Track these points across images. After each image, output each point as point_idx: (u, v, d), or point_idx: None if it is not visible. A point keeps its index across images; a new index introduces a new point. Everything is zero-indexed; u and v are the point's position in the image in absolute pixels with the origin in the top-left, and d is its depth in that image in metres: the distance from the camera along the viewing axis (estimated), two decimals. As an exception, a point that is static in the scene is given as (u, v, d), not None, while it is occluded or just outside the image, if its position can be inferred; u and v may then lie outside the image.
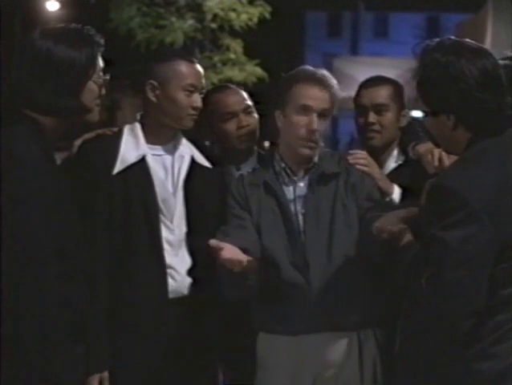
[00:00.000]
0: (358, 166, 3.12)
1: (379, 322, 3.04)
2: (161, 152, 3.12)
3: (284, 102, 3.06)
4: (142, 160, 3.06)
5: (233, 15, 14.86)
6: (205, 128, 3.45)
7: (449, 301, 2.27)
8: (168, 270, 3.04)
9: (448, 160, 2.99)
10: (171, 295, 3.04)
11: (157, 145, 3.12)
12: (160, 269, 3.00)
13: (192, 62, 3.12)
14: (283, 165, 3.10)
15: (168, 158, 3.12)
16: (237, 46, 15.27)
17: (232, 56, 15.26)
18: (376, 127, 3.41)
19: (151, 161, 3.07)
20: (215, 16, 15.01)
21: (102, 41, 2.59)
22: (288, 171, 3.09)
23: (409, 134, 3.44)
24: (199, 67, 3.14)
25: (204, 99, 3.30)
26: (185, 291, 3.06)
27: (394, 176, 3.30)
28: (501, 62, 2.53)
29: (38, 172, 2.35)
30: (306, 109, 3.02)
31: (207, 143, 3.59)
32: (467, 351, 2.35)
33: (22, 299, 2.29)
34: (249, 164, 3.44)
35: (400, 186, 3.22)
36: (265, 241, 3.02)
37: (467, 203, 2.26)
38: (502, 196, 2.29)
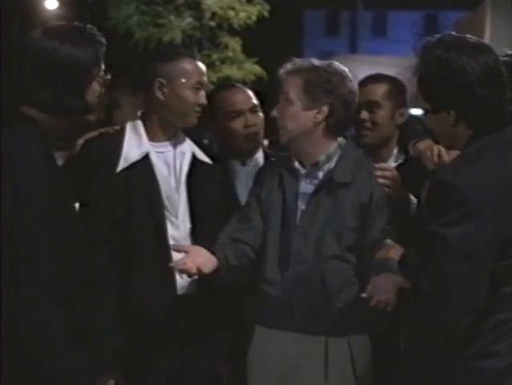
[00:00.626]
0: (381, 180, 3.07)
1: (361, 330, 2.99)
2: (163, 149, 3.13)
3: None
4: (145, 158, 3.07)
5: (231, 13, 14.87)
6: (208, 125, 3.46)
7: (450, 298, 2.28)
8: None
9: (447, 156, 2.99)
10: (179, 292, 3.05)
11: (159, 142, 3.13)
12: (168, 266, 2.98)
13: (195, 59, 3.15)
14: (294, 160, 3.09)
15: (170, 155, 3.14)
16: (235, 44, 15.28)
17: (230, 54, 15.27)
18: (368, 124, 3.39)
19: (154, 158, 3.09)
20: (214, 14, 15.03)
21: (103, 40, 2.58)
22: (297, 165, 3.07)
23: (408, 132, 3.43)
24: (201, 64, 3.17)
25: (210, 97, 3.31)
26: (193, 287, 3.07)
27: None
28: (502, 59, 2.52)
29: (38, 172, 2.35)
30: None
31: (205, 140, 3.59)
32: (467, 350, 2.35)
33: (22, 299, 2.28)
34: (255, 161, 3.45)
35: (401, 185, 3.21)
36: (263, 232, 3.05)
37: (466, 199, 2.26)
38: (502, 192, 2.29)
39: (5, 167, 2.30)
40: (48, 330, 2.30)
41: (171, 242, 3.03)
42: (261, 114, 3.46)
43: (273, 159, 3.33)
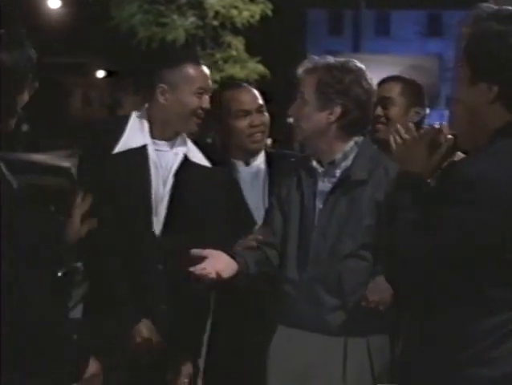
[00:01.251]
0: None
1: (379, 330, 2.97)
2: (161, 148, 3.18)
3: None
4: (143, 148, 3.14)
5: (234, 12, 14.87)
6: (214, 123, 3.45)
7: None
8: None
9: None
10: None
11: (158, 140, 3.18)
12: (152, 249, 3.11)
13: (199, 64, 3.19)
14: (312, 159, 3.08)
15: (166, 155, 3.18)
16: (238, 43, 15.28)
17: (233, 53, 15.27)
18: (382, 119, 3.43)
19: (151, 151, 3.15)
20: (216, 13, 15.02)
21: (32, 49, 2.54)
22: (315, 164, 3.06)
23: None
24: (206, 69, 3.21)
25: (215, 96, 3.33)
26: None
27: None
28: None
29: None
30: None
31: (209, 140, 3.59)
32: (461, 355, 2.32)
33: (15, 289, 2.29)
34: (258, 160, 3.45)
35: None
36: (282, 228, 3.06)
37: (474, 188, 2.22)
38: None
39: None
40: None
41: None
42: (266, 114, 3.46)
43: (292, 159, 3.31)
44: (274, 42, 28.61)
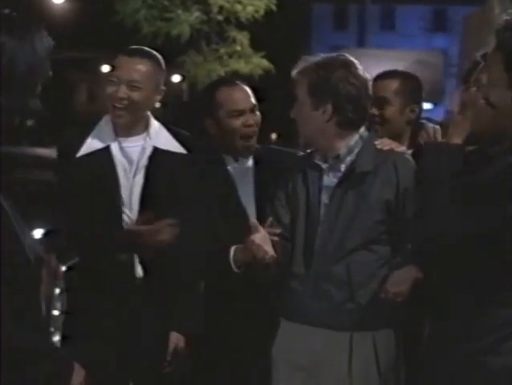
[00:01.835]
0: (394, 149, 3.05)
1: (386, 324, 2.99)
2: (129, 144, 3.24)
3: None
4: (107, 148, 3.21)
5: (239, 7, 14.84)
6: (207, 120, 3.42)
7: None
8: None
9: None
10: (137, 276, 3.19)
11: (126, 137, 3.24)
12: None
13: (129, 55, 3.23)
14: (316, 154, 3.10)
15: (134, 150, 3.23)
16: (243, 38, 15.24)
17: (238, 48, 15.24)
18: (378, 119, 3.40)
19: (115, 151, 3.21)
20: (221, 8, 14.99)
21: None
22: (318, 160, 3.07)
23: (419, 126, 3.45)
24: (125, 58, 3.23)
25: (208, 91, 3.37)
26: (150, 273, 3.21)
27: None
28: None
29: None
30: None
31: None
32: (477, 345, 2.33)
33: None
34: (248, 157, 3.44)
35: None
36: (290, 223, 3.08)
37: None
38: None
39: None
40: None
41: None
42: (258, 113, 3.44)
43: (300, 153, 3.34)
44: (278, 37, 28.58)
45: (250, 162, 3.46)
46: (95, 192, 3.16)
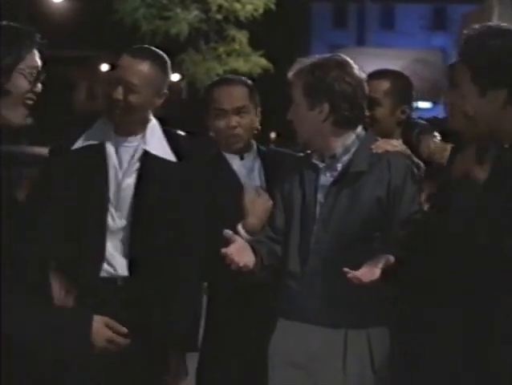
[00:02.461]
0: (389, 149, 3.04)
1: (380, 322, 2.98)
2: (123, 144, 3.20)
3: None
4: (101, 145, 3.18)
5: (238, 6, 14.84)
6: (206, 118, 3.41)
7: None
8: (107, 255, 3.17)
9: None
10: (106, 283, 3.15)
11: (123, 136, 3.19)
12: (100, 253, 3.14)
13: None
14: (313, 154, 3.11)
15: (128, 150, 3.19)
16: (242, 37, 15.25)
17: (237, 47, 15.24)
18: (368, 120, 3.34)
19: (109, 147, 3.17)
20: (220, 7, 15.00)
21: (36, 37, 2.54)
22: (315, 160, 3.08)
23: (411, 125, 3.44)
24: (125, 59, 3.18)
25: (207, 90, 3.40)
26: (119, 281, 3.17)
27: None
28: None
29: None
30: None
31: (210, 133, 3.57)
32: (492, 335, 2.34)
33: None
34: (251, 155, 3.42)
35: None
36: (283, 225, 3.09)
37: None
38: None
39: None
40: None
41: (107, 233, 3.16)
42: (249, 116, 3.37)
43: (301, 154, 3.31)
44: (277, 35, 28.58)
45: (256, 160, 3.42)
46: (82, 186, 3.14)
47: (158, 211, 3.18)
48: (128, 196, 3.16)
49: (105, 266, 3.16)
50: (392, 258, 2.77)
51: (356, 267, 2.89)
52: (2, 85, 2.43)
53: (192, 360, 3.39)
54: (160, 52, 3.22)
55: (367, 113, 3.36)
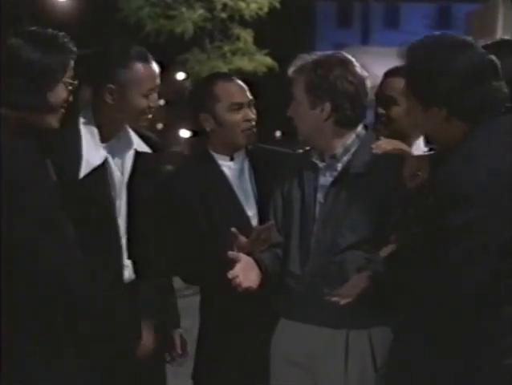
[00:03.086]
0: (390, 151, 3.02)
1: (381, 322, 2.97)
2: (111, 149, 3.11)
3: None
4: (104, 163, 3.06)
5: (242, 5, 14.84)
6: (204, 116, 3.37)
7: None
8: None
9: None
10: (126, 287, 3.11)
11: (108, 142, 3.10)
12: (118, 262, 3.08)
13: (149, 62, 3.10)
14: (312, 153, 3.09)
15: (116, 155, 3.12)
16: (247, 35, 15.24)
17: (242, 46, 15.23)
18: (384, 119, 3.35)
19: (111, 161, 3.09)
20: (225, 6, 14.99)
21: (74, 49, 2.72)
22: (315, 160, 3.07)
23: None
24: (155, 66, 3.12)
25: (204, 86, 3.36)
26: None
27: None
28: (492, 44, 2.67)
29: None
30: None
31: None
32: (495, 346, 2.33)
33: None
34: (240, 155, 3.39)
35: None
36: (283, 225, 3.08)
37: (467, 194, 2.31)
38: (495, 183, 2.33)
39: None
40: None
41: None
42: (254, 110, 3.38)
43: (300, 150, 3.30)
44: (282, 34, 28.56)
45: (245, 160, 3.40)
46: (93, 210, 3.03)
47: (152, 205, 3.18)
48: (124, 200, 3.12)
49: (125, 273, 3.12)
50: (369, 275, 2.79)
51: (355, 269, 2.90)
52: (45, 96, 2.60)
53: (189, 364, 3.39)
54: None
55: (382, 112, 3.35)
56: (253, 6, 14.87)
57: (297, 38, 33.94)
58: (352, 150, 3.03)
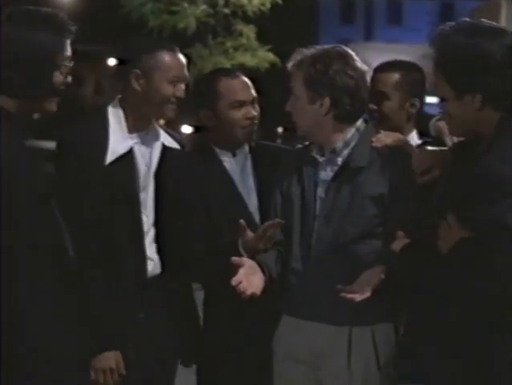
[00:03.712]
0: (390, 143, 3.02)
1: (384, 318, 2.98)
2: (138, 140, 3.16)
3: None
4: (130, 152, 3.11)
5: (245, 0, 14.82)
6: (205, 111, 3.38)
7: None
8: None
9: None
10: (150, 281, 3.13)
11: (135, 133, 3.16)
12: (141, 258, 3.10)
13: (175, 52, 3.16)
14: (312, 148, 3.08)
15: (143, 146, 3.17)
16: (249, 31, 15.23)
17: (244, 42, 15.22)
18: (376, 114, 3.34)
19: (137, 152, 3.13)
20: (227, 1, 14.98)
21: (73, 28, 2.63)
22: (315, 154, 3.06)
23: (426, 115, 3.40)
24: (182, 58, 3.18)
25: (207, 81, 3.36)
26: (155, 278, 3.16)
27: None
28: None
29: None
30: None
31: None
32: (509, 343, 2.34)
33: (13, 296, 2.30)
34: (243, 151, 3.40)
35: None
36: (285, 223, 3.05)
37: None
38: None
39: None
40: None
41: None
42: (257, 107, 3.39)
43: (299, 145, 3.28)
44: (285, 30, 28.52)
45: (248, 156, 3.40)
46: (117, 199, 3.08)
47: (179, 202, 3.19)
48: (151, 195, 3.15)
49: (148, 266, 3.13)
50: (383, 270, 2.78)
51: (358, 265, 2.89)
52: (43, 78, 2.50)
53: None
54: None
55: (374, 107, 3.33)
56: (256, 1, 14.85)
57: (300, 34, 33.89)
58: (352, 144, 3.02)
